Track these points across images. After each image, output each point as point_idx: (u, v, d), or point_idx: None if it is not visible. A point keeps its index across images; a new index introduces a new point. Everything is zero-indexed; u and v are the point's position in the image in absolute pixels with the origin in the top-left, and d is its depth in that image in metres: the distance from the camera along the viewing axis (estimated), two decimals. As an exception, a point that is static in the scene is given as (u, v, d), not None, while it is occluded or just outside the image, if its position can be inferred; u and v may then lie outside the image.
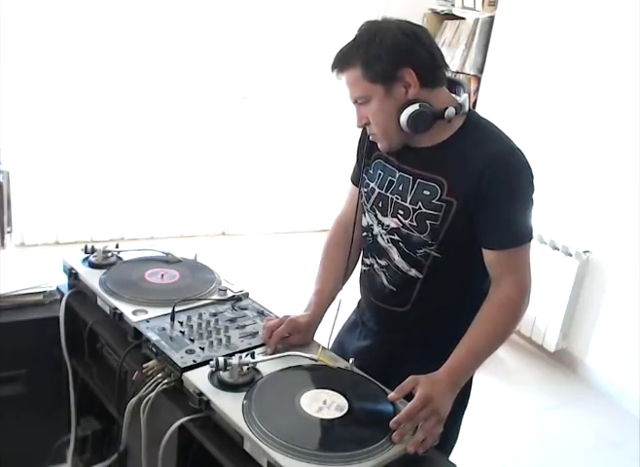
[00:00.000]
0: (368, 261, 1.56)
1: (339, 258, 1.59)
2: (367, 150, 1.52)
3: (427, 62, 1.33)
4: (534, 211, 1.39)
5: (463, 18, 3.94)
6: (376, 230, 1.50)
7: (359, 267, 1.64)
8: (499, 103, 3.58)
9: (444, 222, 1.37)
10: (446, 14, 4.06)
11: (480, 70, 3.81)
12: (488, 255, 1.38)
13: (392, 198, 1.45)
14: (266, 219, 4.75)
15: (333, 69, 1.37)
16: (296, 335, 1.44)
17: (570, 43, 3.27)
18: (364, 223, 1.55)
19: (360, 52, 1.32)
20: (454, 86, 1.44)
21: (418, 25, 1.38)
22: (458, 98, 1.39)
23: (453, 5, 3.98)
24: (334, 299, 1.56)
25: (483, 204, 1.34)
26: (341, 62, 1.36)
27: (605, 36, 3.10)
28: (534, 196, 1.38)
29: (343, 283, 1.59)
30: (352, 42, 1.35)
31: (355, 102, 1.39)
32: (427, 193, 1.39)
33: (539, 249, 3.28)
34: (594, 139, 3.19)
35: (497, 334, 1.37)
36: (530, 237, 1.39)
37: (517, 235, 1.37)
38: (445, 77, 1.40)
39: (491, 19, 3.72)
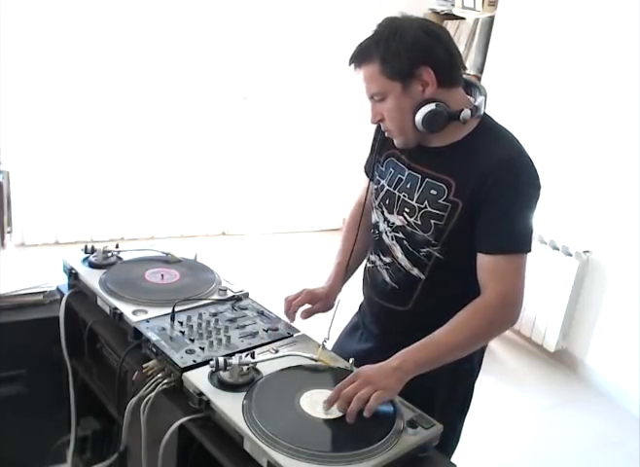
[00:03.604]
0: (372, 258, 1.56)
1: (361, 231, 1.60)
2: (379, 147, 1.52)
3: (446, 62, 1.33)
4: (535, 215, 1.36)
5: (463, 18, 3.95)
6: (382, 227, 1.50)
7: (362, 267, 1.64)
8: (499, 103, 3.57)
9: (449, 222, 1.37)
10: (446, 14, 4.06)
11: (481, 70, 3.81)
12: (478, 259, 1.36)
13: (399, 196, 1.45)
14: (266, 219, 4.75)
15: (350, 63, 1.36)
16: (317, 303, 1.50)
17: (570, 42, 3.27)
18: (372, 220, 1.55)
19: (380, 47, 1.31)
20: (470, 87, 1.43)
21: (439, 25, 1.38)
22: (474, 100, 1.39)
23: (453, 5, 3.98)
24: (353, 272, 1.60)
25: (483, 206, 1.33)
26: (360, 57, 1.34)
27: (605, 35, 3.10)
28: (538, 203, 1.35)
29: (360, 262, 1.63)
30: (372, 37, 1.33)
31: (371, 98, 1.38)
32: (434, 192, 1.38)
33: (539, 249, 3.28)
34: (594, 139, 3.19)
35: (464, 332, 1.31)
36: (525, 248, 1.34)
37: (509, 242, 1.33)
38: (462, 78, 1.39)
39: (491, 19, 3.72)
